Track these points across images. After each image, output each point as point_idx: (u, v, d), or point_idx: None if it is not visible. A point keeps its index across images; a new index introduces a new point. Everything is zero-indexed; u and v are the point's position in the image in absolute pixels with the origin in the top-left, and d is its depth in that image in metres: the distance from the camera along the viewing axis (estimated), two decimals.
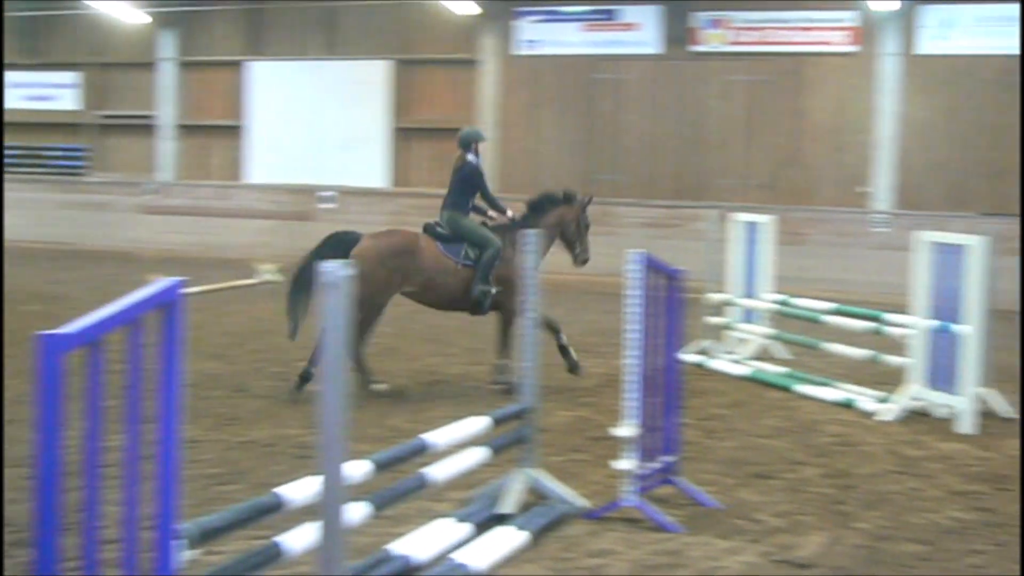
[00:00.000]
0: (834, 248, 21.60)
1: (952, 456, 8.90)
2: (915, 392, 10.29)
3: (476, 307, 11.16)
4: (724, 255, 13.57)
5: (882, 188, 22.30)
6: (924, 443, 9.32)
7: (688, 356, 12.86)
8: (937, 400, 10.18)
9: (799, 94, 22.96)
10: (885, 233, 21.34)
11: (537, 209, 11.69)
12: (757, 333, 13.19)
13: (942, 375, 10.11)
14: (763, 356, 13.33)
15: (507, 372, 10.89)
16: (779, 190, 22.92)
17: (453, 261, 11.07)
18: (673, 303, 7.51)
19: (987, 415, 10.16)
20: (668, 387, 7.44)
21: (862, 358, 11.47)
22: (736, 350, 13.41)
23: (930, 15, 22.10)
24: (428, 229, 11.33)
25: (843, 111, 22.75)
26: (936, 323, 10.16)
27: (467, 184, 11.36)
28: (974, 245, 9.84)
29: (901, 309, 11.16)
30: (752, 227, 13.41)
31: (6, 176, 25.51)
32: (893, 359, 10.89)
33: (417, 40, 25.34)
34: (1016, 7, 21.20)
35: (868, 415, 10.31)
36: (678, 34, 23.51)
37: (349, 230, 11.26)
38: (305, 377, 10.46)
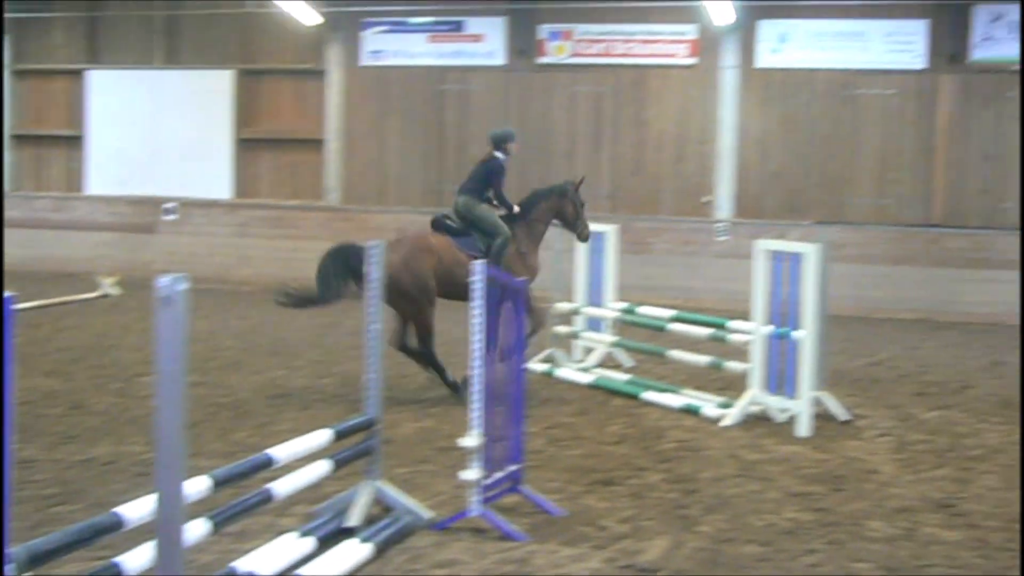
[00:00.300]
0: (678, 256, 22.01)
1: (790, 459, 9.14)
2: (755, 397, 10.54)
3: None
4: (570, 265, 13.71)
5: (723, 197, 22.79)
6: (764, 446, 9.55)
7: (535, 365, 12.97)
8: (776, 404, 10.44)
9: (642, 105, 23.34)
10: (727, 241, 21.83)
11: (532, 200, 12.40)
12: (603, 341, 13.35)
13: (781, 380, 10.38)
14: (609, 364, 13.50)
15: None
16: (624, 200, 23.24)
17: (465, 254, 11.43)
18: (516, 313, 7.55)
19: (824, 418, 10.47)
20: (513, 397, 7.48)
21: (704, 364, 11.70)
22: (583, 358, 13.57)
23: (767, 29, 22.68)
24: (437, 224, 11.89)
25: (685, 122, 23.20)
26: (774, 329, 10.42)
27: (490, 177, 12.09)
28: (810, 253, 10.12)
29: (743, 316, 11.42)
30: (597, 237, 13.56)
31: None
32: (734, 365, 11.13)
33: (261, 50, 25.03)
34: (848, 23, 21.95)
35: (711, 420, 10.53)
36: (524, 46, 23.69)
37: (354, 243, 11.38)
38: None
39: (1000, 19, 21.53)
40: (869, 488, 8.29)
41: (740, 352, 11.19)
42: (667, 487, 8.19)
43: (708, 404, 10.96)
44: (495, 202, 12.17)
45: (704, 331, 11.55)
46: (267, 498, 6.08)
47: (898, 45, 22.05)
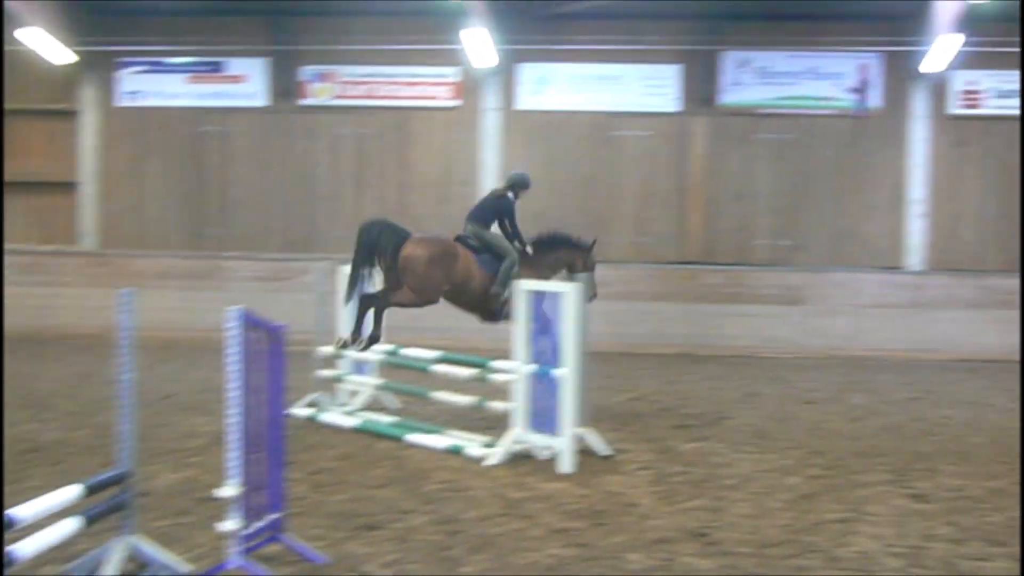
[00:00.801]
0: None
1: (553, 495, 9.23)
2: (518, 435, 10.63)
3: (491, 314, 12.75)
4: (334, 307, 13.57)
5: None
6: (527, 484, 9.62)
7: (299, 410, 12.77)
8: (539, 442, 10.55)
9: (406, 147, 23.44)
10: None
11: (546, 245, 13.34)
12: (368, 384, 13.25)
13: (543, 418, 10.50)
14: (374, 407, 13.41)
15: None
16: None
17: (483, 270, 12.49)
18: (275, 358, 7.41)
19: (586, 453, 10.63)
20: (273, 443, 7.32)
21: (468, 405, 11.73)
22: (347, 402, 13.43)
23: (528, 72, 23.13)
24: (461, 240, 12.68)
25: (448, 164, 23.39)
26: (536, 368, 10.54)
27: (498, 212, 12.95)
28: (569, 292, 10.29)
29: (508, 356, 11.52)
30: None
31: None
32: (498, 404, 11.19)
33: (11, 89, 24.03)
34: (605, 67, 22.58)
35: (475, 460, 10.55)
36: (285, 87, 23.48)
37: (397, 225, 12.12)
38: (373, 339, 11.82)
39: (747, 65, 22.53)
40: (629, 521, 8.44)
41: (502, 392, 11.27)
42: (432, 529, 8.15)
43: (472, 444, 10.99)
44: (510, 237, 12.95)
45: (468, 371, 11.59)
46: (9, 562, 5.75)
47: (654, 88, 22.82)
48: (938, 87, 22.20)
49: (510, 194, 13.16)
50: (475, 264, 12.44)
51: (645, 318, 21.13)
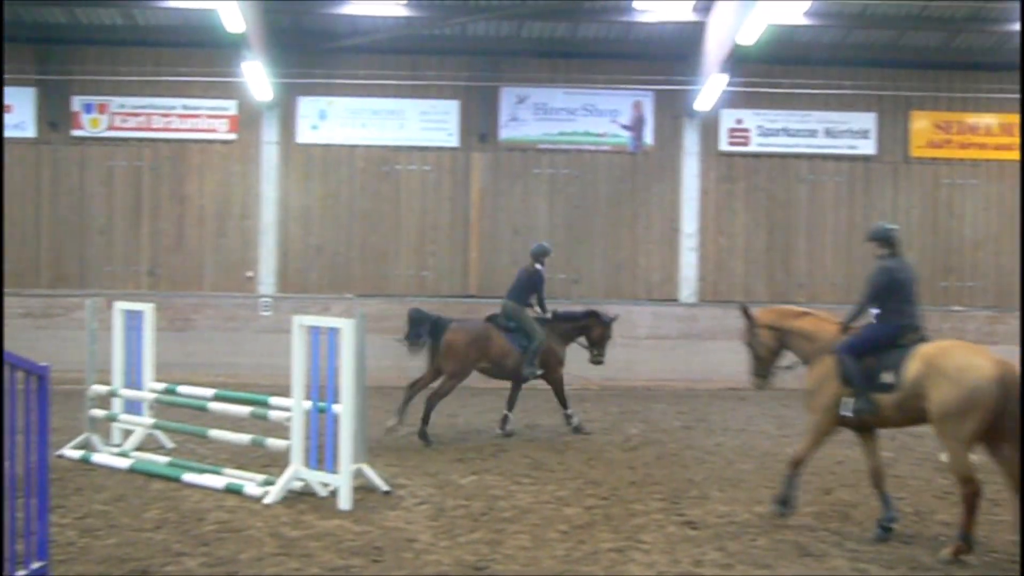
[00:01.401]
0: (222, 333, 21.72)
1: (332, 533, 9.14)
2: (297, 472, 10.50)
3: (523, 379, 15.11)
4: (107, 345, 13.15)
5: (266, 272, 22.73)
6: (306, 522, 9.51)
7: (70, 452, 12.33)
8: (318, 479, 10.45)
9: (183, 180, 22.95)
10: (270, 317, 21.77)
11: (570, 317, 15.56)
12: (142, 423, 12.87)
13: (322, 454, 10.40)
14: (149, 446, 13.04)
15: (573, 418, 15.34)
16: (165, 276, 22.69)
17: (514, 347, 14.80)
18: (41, 400, 7.14)
19: (366, 490, 10.58)
20: (39, 488, 7.04)
21: (245, 443, 11.53)
22: (121, 442, 13.02)
23: (307, 106, 22.98)
24: (493, 320, 14.99)
25: (227, 197, 23.01)
26: (313, 404, 10.45)
27: (532, 286, 15.09)
28: (346, 327, 10.24)
29: (288, 391, 11.37)
30: (133, 315, 13.11)
31: None
32: (275, 442, 11.03)
33: None
34: (385, 101, 22.64)
35: (253, 499, 10.37)
36: (56, 118, 22.71)
37: (438, 315, 14.70)
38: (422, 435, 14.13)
39: (524, 101, 22.93)
40: (407, 557, 8.43)
41: (283, 428, 11.12)
42: (206, 572, 7.96)
43: (250, 483, 10.80)
44: (535, 305, 15.14)
45: (245, 409, 11.40)
46: None
47: (433, 124, 22.99)
48: (708, 125, 23.06)
49: (538, 266, 15.22)
50: (507, 343, 14.79)
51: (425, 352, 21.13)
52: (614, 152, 23.15)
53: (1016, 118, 23.08)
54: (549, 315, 15.28)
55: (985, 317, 22.92)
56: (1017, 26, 20.78)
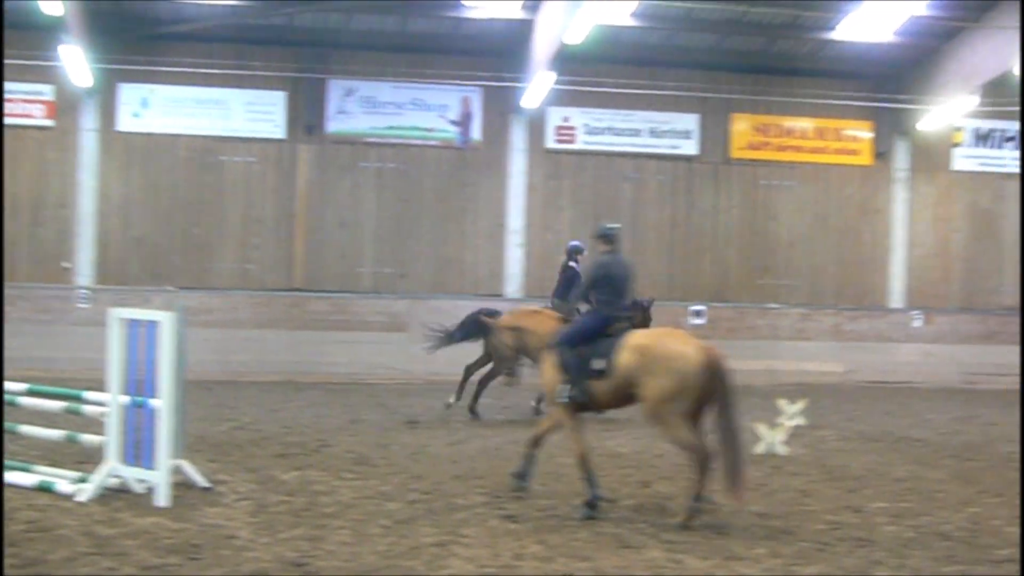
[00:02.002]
0: (36, 325, 21.02)
1: (148, 530, 8.93)
2: (112, 469, 10.22)
3: None
4: None
5: (84, 263, 22.10)
6: (121, 520, 9.26)
7: None
8: (134, 475, 10.19)
9: None
10: (88, 309, 21.16)
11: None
12: None
13: (139, 450, 10.15)
14: None
15: None
16: None
17: None
18: None
19: (184, 486, 10.36)
20: None
21: (59, 439, 11.17)
22: None
23: (129, 93, 22.42)
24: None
25: (43, 185, 22.29)
26: (131, 399, 10.19)
27: (568, 280, 16.42)
28: (165, 320, 10.01)
29: (104, 386, 11.06)
30: None
31: None
32: (91, 437, 10.72)
33: None
34: (209, 91, 22.22)
35: (66, 497, 10.06)
36: None
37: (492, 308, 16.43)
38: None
39: (352, 94, 22.78)
40: (226, 554, 8.29)
41: (99, 424, 10.82)
42: (13, 573, 7.69)
43: (63, 480, 10.46)
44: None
45: (59, 404, 11.05)
46: None
47: (259, 114, 22.68)
48: (535, 122, 23.28)
49: (572, 263, 16.71)
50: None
51: (248, 345, 20.87)
52: (442, 147, 23.20)
53: (830, 123, 23.94)
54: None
55: (798, 314, 23.70)
56: (830, 34, 21.54)
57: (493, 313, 16.00)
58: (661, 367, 9.71)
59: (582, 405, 10.44)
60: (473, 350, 16.94)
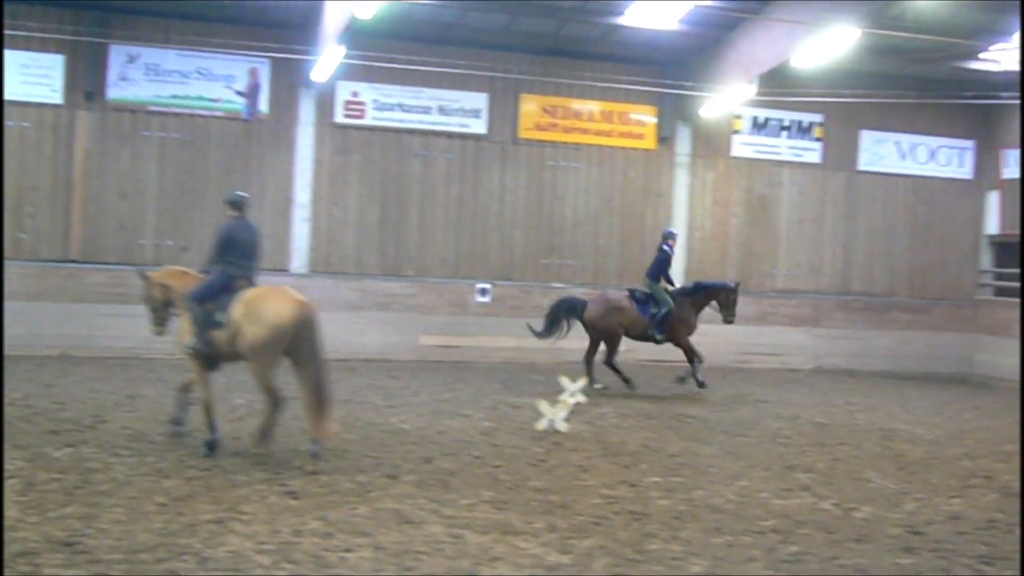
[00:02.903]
0: None
1: None
2: None
3: (655, 341, 19.02)
4: None
5: None
6: None
7: None
8: None
9: None
10: None
11: (701, 288, 19.34)
12: None
13: None
14: None
15: (690, 375, 19.02)
16: None
17: (642, 316, 18.81)
18: None
19: None
20: None
21: None
22: None
23: None
24: (631, 292, 19.17)
25: None
26: None
27: (661, 265, 18.89)
28: None
29: None
30: None
31: None
32: None
33: None
34: None
35: None
36: None
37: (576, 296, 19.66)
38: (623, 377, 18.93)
39: (135, 61, 22.07)
40: None
41: None
42: None
43: None
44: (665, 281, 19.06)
45: None
46: None
47: (35, 78, 21.76)
48: (324, 96, 23.01)
49: (664, 246, 18.96)
50: (636, 313, 18.76)
51: (20, 318, 20.01)
52: (228, 119, 22.70)
53: (616, 106, 24.44)
54: (677, 286, 19.40)
55: (583, 294, 24.16)
56: (618, 19, 21.96)
57: (579, 303, 19.17)
58: (259, 318, 11.04)
59: (210, 356, 11.68)
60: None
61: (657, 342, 19.01)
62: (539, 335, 19.38)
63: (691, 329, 19.09)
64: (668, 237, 19.25)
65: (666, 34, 22.82)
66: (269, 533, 8.47)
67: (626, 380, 18.86)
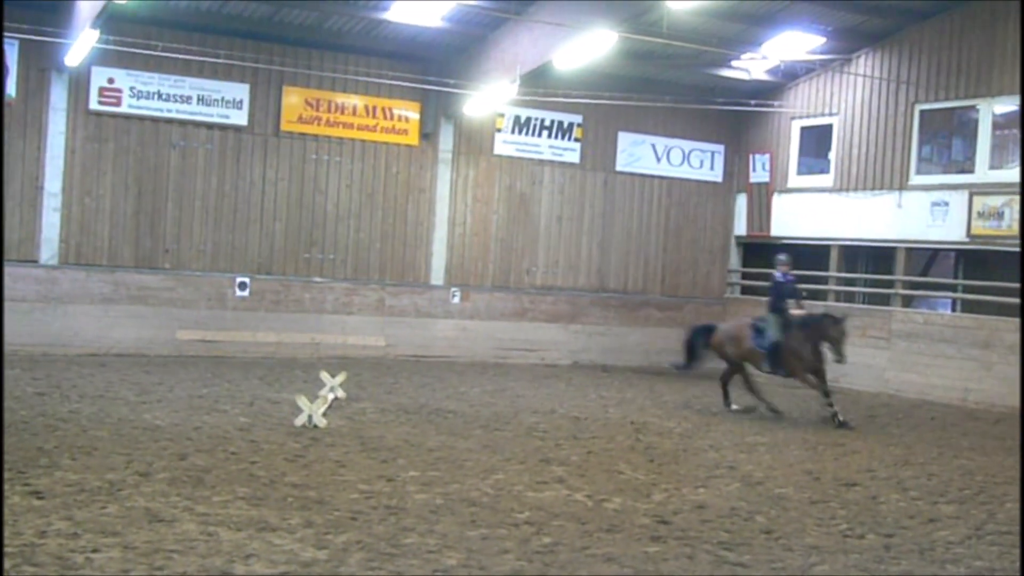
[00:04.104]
0: None
1: None
2: None
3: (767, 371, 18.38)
4: None
5: None
6: None
7: None
8: None
9: None
10: None
11: (813, 321, 17.64)
12: None
13: None
14: None
15: (829, 404, 17.40)
16: None
17: (754, 346, 18.08)
18: None
19: None
20: None
21: None
22: None
23: None
24: (754, 322, 18.40)
25: None
26: None
27: (772, 295, 18.17)
28: None
29: None
30: None
31: None
32: None
33: None
34: None
35: None
36: None
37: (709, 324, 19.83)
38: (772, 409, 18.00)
39: None
40: None
41: None
42: None
43: None
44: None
45: None
46: None
47: None
48: (78, 82, 22.18)
49: (776, 273, 18.12)
50: (750, 342, 18.06)
51: None
52: None
53: (380, 101, 24.43)
54: (802, 317, 17.88)
55: (343, 289, 24.08)
56: (383, 14, 21.97)
57: (709, 328, 19.23)
58: None
59: None
60: None
61: (772, 373, 18.35)
62: (681, 368, 19.48)
63: (805, 363, 17.63)
64: (777, 264, 18.35)
65: (430, 31, 22.97)
66: (10, 535, 8.14)
67: (771, 408, 17.96)
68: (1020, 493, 9.40)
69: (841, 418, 17.12)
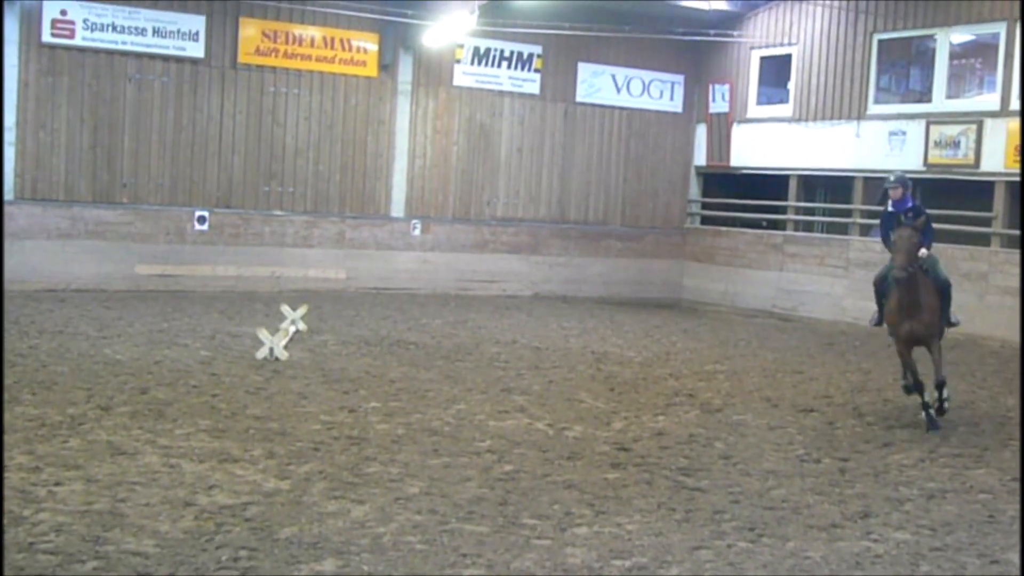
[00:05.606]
0: None
1: None
2: None
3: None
4: None
5: None
6: None
7: None
8: None
9: None
10: None
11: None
12: None
13: None
14: None
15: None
16: None
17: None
18: None
19: None
20: None
21: None
22: None
23: None
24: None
25: None
26: None
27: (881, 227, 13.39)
28: None
29: None
30: None
31: None
32: None
33: None
34: None
35: None
36: None
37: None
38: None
39: None
40: None
41: None
42: None
43: None
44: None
45: None
46: None
47: None
48: (29, 13, 21.83)
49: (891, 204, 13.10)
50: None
51: None
52: None
53: (338, 33, 24.20)
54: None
55: (303, 222, 23.98)
56: None
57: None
58: None
59: None
60: None
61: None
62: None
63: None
64: (888, 190, 13.20)
65: None
66: None
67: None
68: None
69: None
